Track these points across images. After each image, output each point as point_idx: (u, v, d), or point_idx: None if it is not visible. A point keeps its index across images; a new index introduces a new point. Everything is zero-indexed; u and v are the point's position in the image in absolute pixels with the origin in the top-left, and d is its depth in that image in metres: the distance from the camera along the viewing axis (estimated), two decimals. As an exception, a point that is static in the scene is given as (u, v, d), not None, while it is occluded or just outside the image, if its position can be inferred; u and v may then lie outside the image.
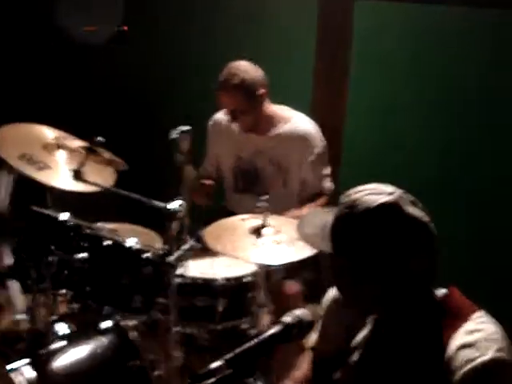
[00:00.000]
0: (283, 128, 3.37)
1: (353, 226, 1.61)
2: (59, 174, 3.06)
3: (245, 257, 2.61)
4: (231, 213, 3.36)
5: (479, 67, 3.63)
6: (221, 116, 3.49)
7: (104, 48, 4.34)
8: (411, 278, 1.60)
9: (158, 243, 3.05)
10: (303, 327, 1.55)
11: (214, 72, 3.27)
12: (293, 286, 3.03)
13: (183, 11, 4.62)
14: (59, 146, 3.18)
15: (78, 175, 2.79)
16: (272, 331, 1.51)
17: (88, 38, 4.26)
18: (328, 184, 3.37)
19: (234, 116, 3.29)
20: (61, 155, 3.16)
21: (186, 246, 2.54)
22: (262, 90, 3.30)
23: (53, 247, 2.71)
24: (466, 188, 3.76)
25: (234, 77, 3.23)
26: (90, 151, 2.85)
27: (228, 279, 2.79)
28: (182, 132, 2.62)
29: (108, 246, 2.68)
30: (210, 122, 3.54)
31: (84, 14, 4.35)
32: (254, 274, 2.85)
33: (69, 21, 4.34)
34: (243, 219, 2.85)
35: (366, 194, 1.61)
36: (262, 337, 1.49)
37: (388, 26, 3.86)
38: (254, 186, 3.41)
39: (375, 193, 1.62)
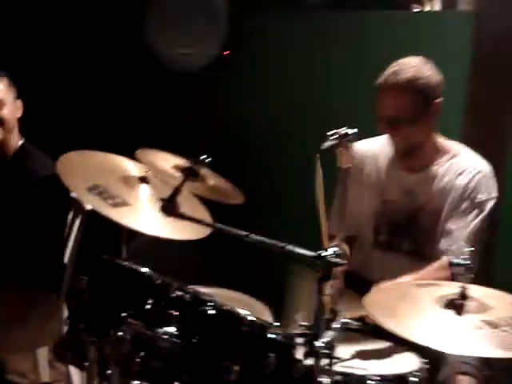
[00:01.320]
0: (445, 166, 2.50)
1: None
2: (141, 214, 2.29)
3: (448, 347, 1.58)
4: (360, 278, 2.46)
5: None
6: (366, 147, 2.62)
7: (200, 75, 3.69)
8: None
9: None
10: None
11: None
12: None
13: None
14: (143, 180, 2.41)
15: (169, 208, 1.87)
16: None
17: (183, 62, 3.63)
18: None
19: (392, 126, 2.41)
20: (144, 190, 2.38)
21: (340, 324, 1.56)
22: (439, 100, 2.42)
23: (126, 315, 1.76)
24: None
25: (408, 71, 2.38)
26: (189, 174, 1.95)
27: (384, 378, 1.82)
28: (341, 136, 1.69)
29: (214, 316, 1.70)
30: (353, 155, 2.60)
31: (180, 34, 3.60)
32: (420, 372, 1.90)
33: (162, 41, 3.61)
34: (419, 284, 1.86)
35: None
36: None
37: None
38: (403, 240, 2.50)
39: None
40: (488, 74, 3.16)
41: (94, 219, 2.80)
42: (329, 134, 1.78)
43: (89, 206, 2.93)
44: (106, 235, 2.37)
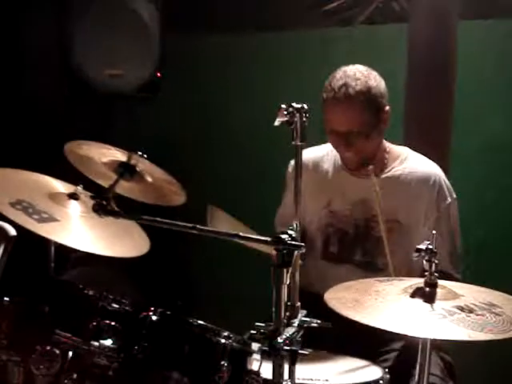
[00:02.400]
0: (399, 169, 2.40)
1: None
2: (71, 229, 2.14)
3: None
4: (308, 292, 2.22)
5: None
6: (307, 156, 2.45)
7: (131, 97, 3.54)
8: None
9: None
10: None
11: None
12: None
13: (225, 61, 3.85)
14: (72, 197, 2.27)
15: (102, 207, 1.67)
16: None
17: (113, 84, 3.47)
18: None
19: (346, 142, 2.30)
20: (74, 207, 2.24)
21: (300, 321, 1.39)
22: (388, 107, 2.34)
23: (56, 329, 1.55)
24: None
25: (358, 82, 2.27)
26: (124, 170, 1.77)
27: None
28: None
29: (158, 322, 1.51)
30: (289, 169, 2.48)
31: (108, 54, 3.44)
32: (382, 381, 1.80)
33: (89, 62, 3.43)
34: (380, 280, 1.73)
35: None
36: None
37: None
38: (354, 252, 2.37)
39: None
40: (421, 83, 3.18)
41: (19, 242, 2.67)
42: (282, 107, 1.63)
43: (13, 232, 2.75)
44: (33, 255, 2.22)
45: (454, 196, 2.40)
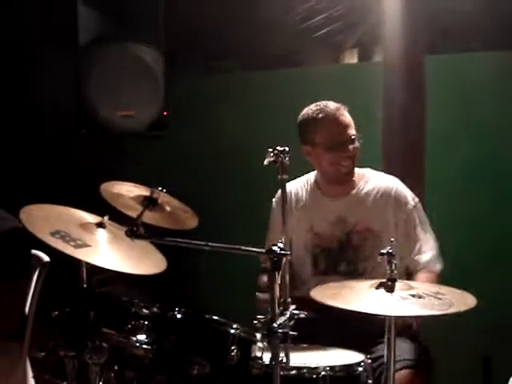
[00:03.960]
0: (366, 186, 2.81)
1: None
2: (102, 253, 2.51)
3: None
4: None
5: None
6: (288, 189, 2.76)
7: (141, 135, 3.92)
8: None
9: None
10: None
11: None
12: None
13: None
14: (100, 225, 2.64)
15: (133, 232, 2.10)
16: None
17: (125, 125, 3.88)
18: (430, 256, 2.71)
19: (354, 143, 2.74)
20: (102, 234, 2.62)
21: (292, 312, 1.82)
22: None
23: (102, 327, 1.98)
24: None
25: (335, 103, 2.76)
26: (149, 203, 2.20)
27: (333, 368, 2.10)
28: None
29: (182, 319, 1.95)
30: (275, 199, 2.90)
31: (119, 97, 3.84)
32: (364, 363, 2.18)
33: (102, 104, 3.83)
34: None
35: None
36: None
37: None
38: (339, 264, 2.76)
39: None
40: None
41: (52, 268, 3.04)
42: (269, 150, 2.09)
43: (46, 258, 3.12)
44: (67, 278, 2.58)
45: (417, 200, 2.78)
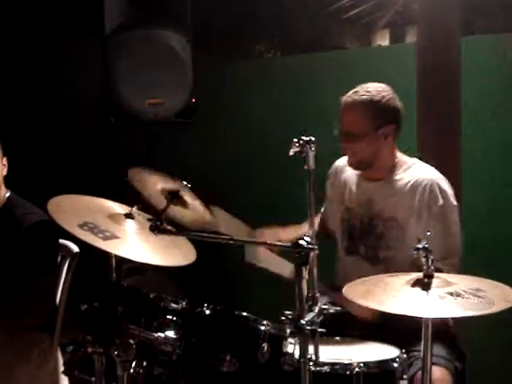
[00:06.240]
0: (401, 174, 2.73)
1: None
2: (130, 244, 2.47)
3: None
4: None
5: None
6: (334, 164, 2.97)
7: (170, 122, 3.90)
8: None
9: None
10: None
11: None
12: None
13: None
14: (128, 216, 2.60)
15: (157, 227, 2.06)
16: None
17: (153, 112, 3.85)
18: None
19: (345, 140, 2.70)
20: (130, 225, 2.57)
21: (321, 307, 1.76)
22: (391, 125, 2.69)
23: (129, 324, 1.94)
24: None
25: (365, 93, 2.66)
26: (174, 197, 2.15)
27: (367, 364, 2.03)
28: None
29: (210, 315, 1.90)
30: (330, 171, 2.98)
31: (148, 85, 3.80)
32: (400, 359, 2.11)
33: (131, 93, 3.80)
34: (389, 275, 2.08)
35: None
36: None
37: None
38: (359, 245, 2.75)
39: None
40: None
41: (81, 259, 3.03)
42: (294, 140, 2.03)
43: (76, 249, 3.11)
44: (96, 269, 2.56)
45: (451, 200, 2.63)
